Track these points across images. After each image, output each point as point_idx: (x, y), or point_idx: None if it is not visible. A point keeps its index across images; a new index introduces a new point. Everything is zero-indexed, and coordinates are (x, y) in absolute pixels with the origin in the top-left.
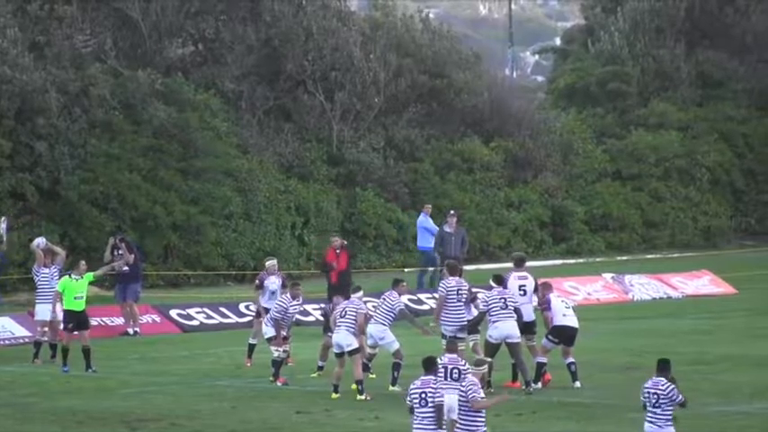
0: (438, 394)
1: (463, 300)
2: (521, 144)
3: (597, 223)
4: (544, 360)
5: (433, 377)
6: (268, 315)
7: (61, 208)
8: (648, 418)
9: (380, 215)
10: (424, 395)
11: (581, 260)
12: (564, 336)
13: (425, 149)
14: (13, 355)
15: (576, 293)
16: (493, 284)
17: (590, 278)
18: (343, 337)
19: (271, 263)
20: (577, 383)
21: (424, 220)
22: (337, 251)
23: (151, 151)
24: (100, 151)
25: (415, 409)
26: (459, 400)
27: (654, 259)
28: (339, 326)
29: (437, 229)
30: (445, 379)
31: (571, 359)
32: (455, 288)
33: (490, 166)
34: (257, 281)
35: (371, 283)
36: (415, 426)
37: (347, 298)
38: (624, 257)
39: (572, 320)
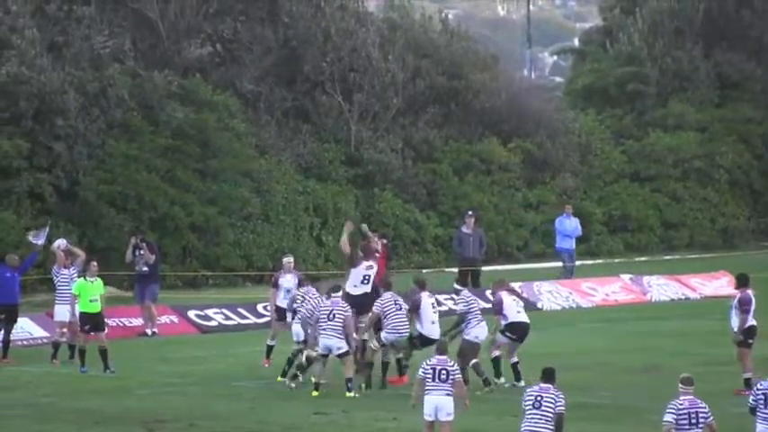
0: (560, 404)
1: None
2: (539, 145)
3: (615, 224)
4: (498, 353)
5: (551, 385)
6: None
7: (79, 209)
8: (761, 419)
9: (398, 216)
10: (539, 398)
11: (599, 261)
12: (520, 331)
13: (443, 150)
14: (31, 355)
15: (594, 294)
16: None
17: (608, 279)
18: (334, 342)
19: (287, 260)
20: (522, 382)
21: (563, 221)
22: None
23: (169, 152)
24: (118, 152)
25: (526, 411)
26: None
27: (672, 260)
28: (326, 329)
29: (574, 229)
30: (433, 380)
31: (516, 359)
32: (391, 300)
33: (508, 167)
34: (273, 279)
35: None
36: (525, 427)
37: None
38: (642, 258)
39: (525, 317)
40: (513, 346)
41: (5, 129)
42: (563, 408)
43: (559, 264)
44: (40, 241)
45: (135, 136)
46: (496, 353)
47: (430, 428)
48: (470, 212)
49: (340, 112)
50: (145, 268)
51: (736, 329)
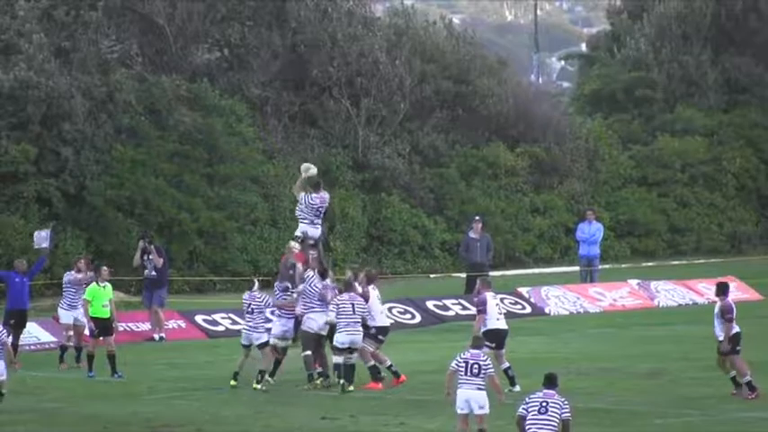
0: (566, 410)
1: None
2: (546, 150)
3: (623, 229)
4: (507, 364)
5: (554, 391)
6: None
7: (87, 213)
8: None
9: (406, 221)
10: (545, 404)
11: (607, 266)
12: (498, 338)
13: (450, 155)
14: (39, 360)
15: (601, 300)
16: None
17: (615, 284)
18: (358, 338)
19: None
20: (517, 387)
21: (582, 227)
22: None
23: (177, 157)
24: (126, 157)
25: (530, 416)
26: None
27: (679, 265)
28: (349, 323)
29: (594, 235)
30: (466, 374)
31: (507, 364)
32: (348, 301)
33: (515, 172)
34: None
35: (397, 289)
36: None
37: None
38: (650, 263)
39: (504, 323)
40: (497, 353)
41: (13, 134)
42: (569, 414)
43: (568, 268)
44: (45, 244)
45: (142, 141)
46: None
47: (464, 421)
48: (477, 217)
49: (347, 116)
50: (153, 273)
51: (721, 338)
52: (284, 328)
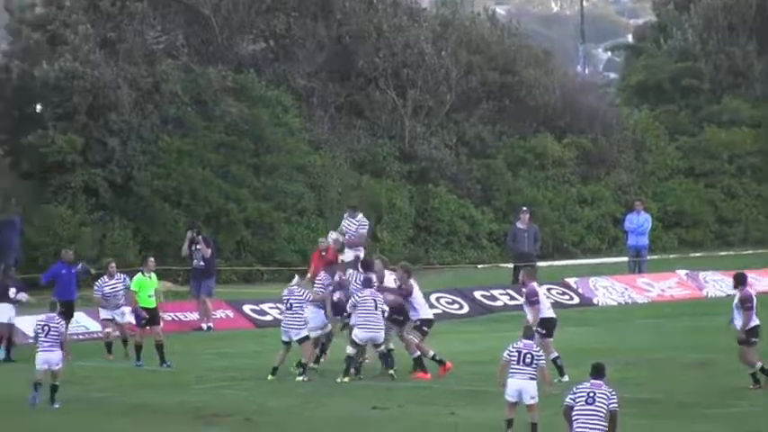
0: (613, 400)
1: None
2: (593, 141)
3: (670, 220)
4: (556, 354)
5: (602, 381)
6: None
7: (134, 204)
8: None
9: (453, 211)
10: (592, 394)
11: (655, 257)
12: (549, 326)
13: (497, 146)
14: (87, 350)
15: (649, 290)
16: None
17: (664, 275)
18: (378, 335)
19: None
20: (566, 377)
21: (631, 218)
22: (323, 252)
23: (223, 147)
24: (172, 147)
25: (578, 406)
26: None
27: (727, 256)
28: (368, 319)
29: (642, 225)
30: (518, 363)
31: (555, 353)
32: (370, 297)
33: (562, 163)
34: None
35: (444, 279)
36: (578, 424)
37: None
38: (697, 254)
39: (553, 312)
40: (545, 341)
41: (59, 124)
42: (616, 405)
43: (616, 259)
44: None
45: (189, 131)
46: (554, 354)
47: (511, 409)
48: (524, 208)
49: (393, 107)
50: (201, 263)
51: (739, 328)
52: (319, 318)
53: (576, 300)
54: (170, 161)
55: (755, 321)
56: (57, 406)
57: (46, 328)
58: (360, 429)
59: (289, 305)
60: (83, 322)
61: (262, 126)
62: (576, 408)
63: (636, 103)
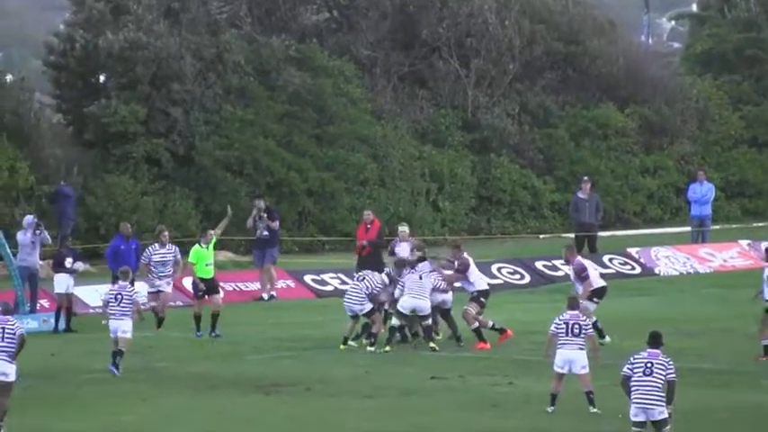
0: (671, 371)
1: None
2: (656, 110)
3: (733, 190)
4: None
5: (659, 350)
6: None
7: (196, 174)
8: None
9: (515, 181)
10: (650, 365)
11: (717, 227)
12: (602, 294)
13: (560, 116)
14: (150, 320)
15: (711, 260)
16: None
17: (726, 245)
18: (422, 305)
19: (402, 229)
20: (607, 338)
21: (694, 188)
22: (368, 226)
23: (286, 117)
24: (234, 117)
25: (636, 377)
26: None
27: None
28: (413, 288)
29: (705, 195)
30: (567, 334)
31: (595, 318)
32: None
33: (625, 133)
34: (389, 248)
35: (507, 249)
36: (637, 395)
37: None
38: (760, 224)
39: (603, 280)
40: (590, 307)
41: (122, 94)
42: (674, 375)
43: (678, 229)
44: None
45: (251, 101)
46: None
47: (559, 380)
48: (586, 178)
49: (456, 77)
50: (265, 233)
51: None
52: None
53: (638, 269)
54: (232, 131)
55: None
56: (118, 373)
57: (119, 296)
58: (419, 399)
59: (360, 278)
60: (143, 293)
61: (324, 96)
62: (633, 378)
63: (699, 73)
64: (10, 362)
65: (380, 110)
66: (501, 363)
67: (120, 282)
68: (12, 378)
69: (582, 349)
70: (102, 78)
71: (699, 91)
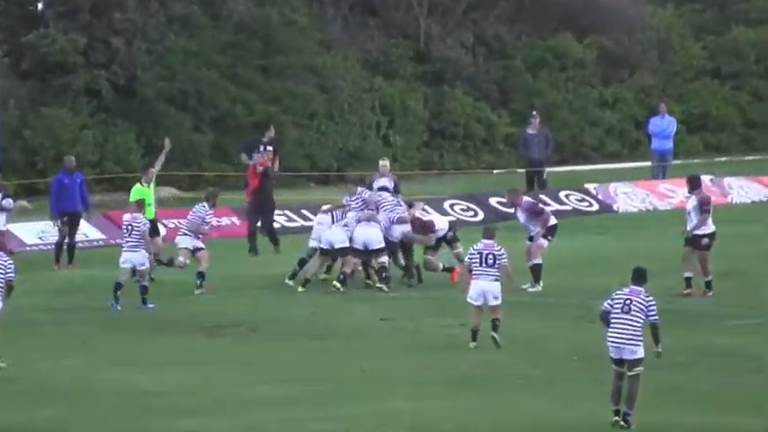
0: (652, 312)
1: None
2: (616, 41)
3: (695, 123)
4: (539, 261)
5: (642, 288)
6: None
7: (137, 106)
8: None
9: (469, 114)
10: (629, 302)
11: (677, 162)
12: (554, 232)
13: (516, 46)
14: (90, 258)
15: (672, 196)
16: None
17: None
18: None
19: (383, 163)
20: (539, 287)
21: (655, 121)
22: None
23: (231, 48)
24: (178, 47)
25: (614, 312)
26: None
27: (754, 161)
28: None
29: (666, 129)
30: (480, 265)
31: (539, 260)
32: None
33: (583, 64)
34: (368, 182)
35: (459, 185)
36: (611, 331)
37: None
38: (722, 158)
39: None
40: (538, 245)
41: (61, 23)
42: (656, 317)
43: (637, 164)
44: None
45: (195, 31)
46: (538, 260)
47: (477, 313)
48: (534, 112)
49: (409, 6)
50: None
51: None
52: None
53: (596, 206)
54: (176, 62)
55: (712, 227)
56: (151, 306)
57: (129, 227)
58: (364, 340)
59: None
60: (84, 230)
61: (271, 26)
62: (612, 313)
63: (660, 1)
64: None
65: (329, 40)
66: (451, 304)
67: (134, 212)
68: None
69: (497, 280)
70: (40, 6)
71: (660, 20)
